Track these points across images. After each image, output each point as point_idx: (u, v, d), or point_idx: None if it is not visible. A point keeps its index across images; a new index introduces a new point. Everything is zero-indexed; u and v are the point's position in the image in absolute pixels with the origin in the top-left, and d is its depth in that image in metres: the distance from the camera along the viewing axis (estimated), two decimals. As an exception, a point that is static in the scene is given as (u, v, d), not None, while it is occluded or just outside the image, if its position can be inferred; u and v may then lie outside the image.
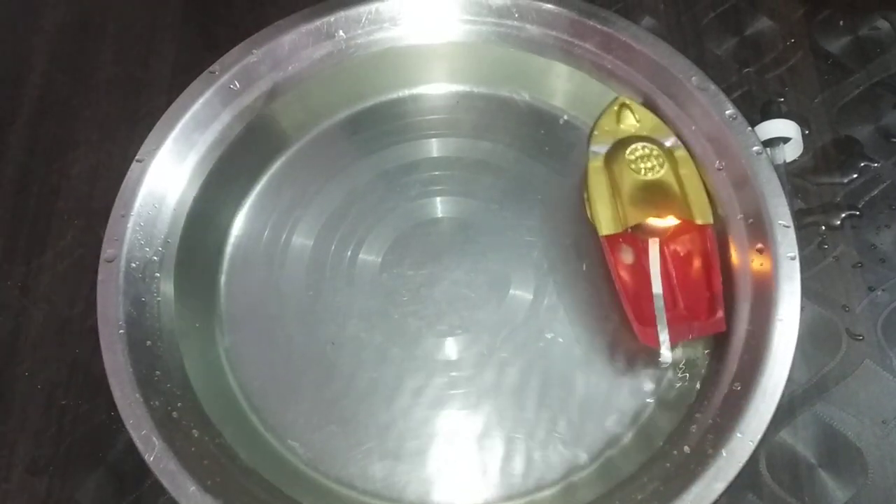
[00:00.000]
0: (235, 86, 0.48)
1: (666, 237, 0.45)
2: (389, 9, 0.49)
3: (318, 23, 0.49)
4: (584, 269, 0.46)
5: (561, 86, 0.50)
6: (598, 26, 0.47)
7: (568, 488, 0.42)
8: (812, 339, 0.44)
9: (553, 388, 0.44)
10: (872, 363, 0.44)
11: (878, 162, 0.48)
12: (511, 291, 0.46)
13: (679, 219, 0.44)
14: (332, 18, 0.49)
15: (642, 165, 0.44)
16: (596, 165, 0.45)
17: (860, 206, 0.47)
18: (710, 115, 0.45)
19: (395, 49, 0.50)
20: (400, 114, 0.51)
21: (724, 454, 0.37)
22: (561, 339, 0.45)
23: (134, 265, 0.44)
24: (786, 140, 0.47)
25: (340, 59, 0.49)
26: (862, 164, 0.48)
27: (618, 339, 0.44)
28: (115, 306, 0.42)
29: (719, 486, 0.37)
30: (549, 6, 0.48)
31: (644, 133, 0.46)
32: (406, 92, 0.51)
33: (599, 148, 0.45)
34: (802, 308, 0.40)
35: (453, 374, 0.45)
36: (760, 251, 0.41)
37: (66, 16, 0.58)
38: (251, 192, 0.50)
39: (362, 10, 0.49)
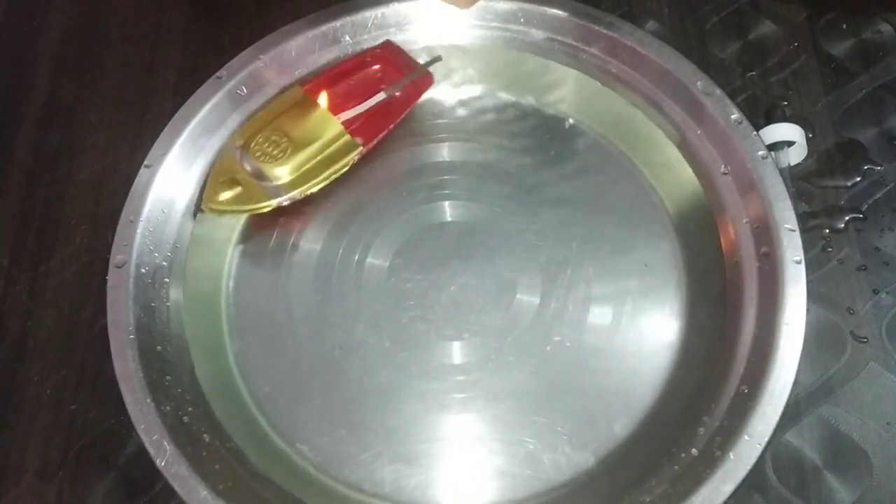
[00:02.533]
0: (243, 91, 0.48)
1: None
2: (395, 14, 0.49)
3: (324, 28, 0.49)
4: (591, 272, 0.46)
5: (566, 90, 0.50)
6: (604, 31, 0.48)
7: (575, 491, 0.42)
8: (817, 341, 0.44)
9: (560, 392, 0.44)
10: (877, 365, 0.44)
11: (881, 165, 0.48)
12: (518, 295, 0.46)
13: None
14: (338, 23, 0.49)
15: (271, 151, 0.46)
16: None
17: (864, 209, 0.47)
18: (715, 120, 0.45)
19: (402, 54, 0.50)
20: (406, 118, 0.51)
21: (732, 457, 0.38)
22: (568, 343, 0.45)
23: (143, 270, 0.44)
24: (790, 144, 0.47)
25: (347, 64, 0.50)
26: (866, 168, 0.49)
27: (625, 343, 0.45)
28: (125, 311, 0.42)
29: (727, 489, 0.37)
30: (555, 11, 0.48)
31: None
32: (412, 97, 0.52)
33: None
34: (807, 311, 0.40)
35: (460, 377, 0.45)
36: (766, 255, 0.42)
37: (71, 21, 0.58)
38: (259, 197, 0.50)
39: (368, 14, 0.49)
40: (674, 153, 0.47)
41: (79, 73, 0.56)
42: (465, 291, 0.46)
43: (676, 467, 0.39)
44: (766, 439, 0.38)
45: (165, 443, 0.39)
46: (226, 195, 0.45)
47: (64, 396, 0.46)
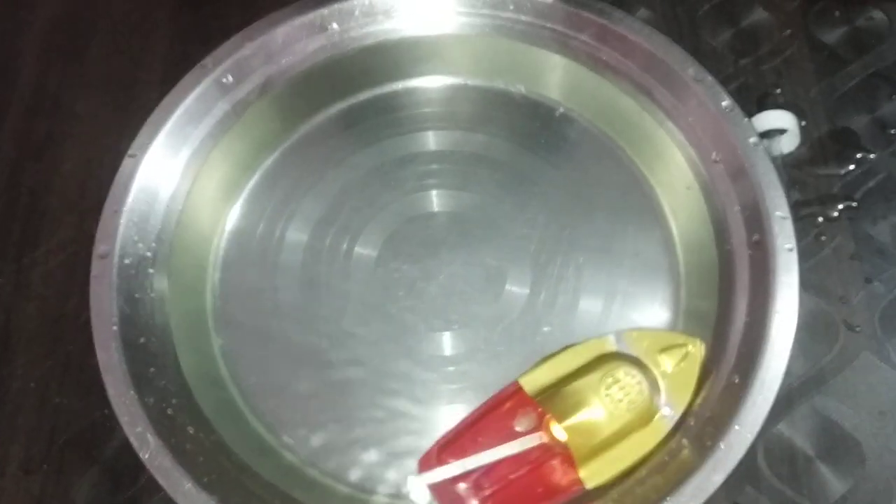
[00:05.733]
0: (228, 79, 0.48)
1: (555, 450, 0.40)
2: (383, 1, 0.49)
3: (311, 15, 0.48)
4: (581, 261, 0.46)
5: (557, 78, 0.49)
6: (594, 18, 0.47)
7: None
8: (809, 331, 0.44)
9: (550, 382, 0.44)
10: (870, 355, 0.44)
11: (874, 153, 0.48)
12: (507, 285, 0.46)
13: (569, 448, 0.39)
14: (325, 11, 0.48)
15: (612, 390, 0.39)
16: (597, 345, 0.42)
17: (857, 197, 0.47)
18: (706, 107, 0.44)
19: (390, 42, 0.49)
20: (394, 107, 0.51)
21: (723, 447, 0.37)
22: (558, 333, 0.44)
23: (127, 261, 0.43)
24: (782, 131, 0.46)
25: (334, 51, 0.49)
26: (859, 155, 0.48)
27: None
28: (108, 303, 0.41)
29: (718, 479, 0.37)
30: (545, -2, 0.48)
31: (659, 381, 0.40)
32: (400, 85, 0.51)
33: (622, 343, 0.42)
34: (800, 300, 0.40)
35: (450, 368, 0.44)
36: (758, 243, 0.41)
37: (57, 10, 0.57)
38: (245, 186, 0.49)
39: (356, 2, 0.48)
40: (665, 141, 0.47)
41: (65, 63, 0.55)
42: (454, 281, 0.46)
43: (667, 457, 0.39)
44: (757, 429, 0.37)
45: (149, 435, 0.38)
46: None
47: (48, 389, 0.45)
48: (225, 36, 0.48)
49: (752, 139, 0.43)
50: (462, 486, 0.40)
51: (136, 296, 0.43)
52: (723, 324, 0.42)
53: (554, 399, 0.40)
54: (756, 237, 0.42)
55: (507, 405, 0.41)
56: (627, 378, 0.40)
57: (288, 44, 0.49)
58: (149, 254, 0.44)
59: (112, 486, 0.43)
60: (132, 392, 0.39)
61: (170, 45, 0.55)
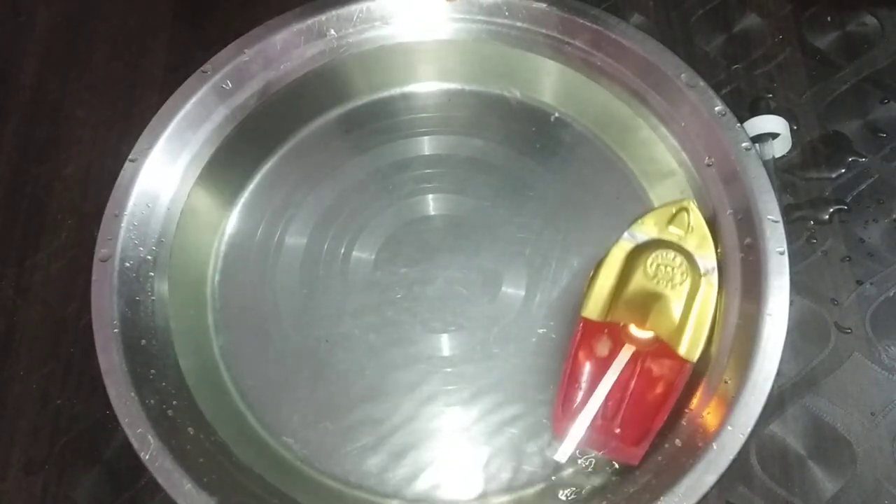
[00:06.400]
0: (227, 85, 0.48)
1: (645, 352, 0.42)
2: (380, 7, 0.49)
3: (309, 22, 0.49)
4: (576, 265, 0.47)
5: (551, 83, 0.50)
6: (588, 24, 0.48)
7: (560, 482, 0.42)
8: (801, 332, 0.45)
9: (545, 383, 0.44)
10: (861, 356, 0.44)
11: (865, 157, 0.49)
12: (503, 288, 0.46)
13: (662, 340, 0.42)
14: (323, 17, 0.49)
15: (660, 274, 0.42)
16: (619, 250, 0.43)
17: (848, 200, 0.48)
18: (699, 112, 0.45)
19: (387, 47, 0.50)
20: (391, 112, 0.51)
21: (715, 447, 0.38)
22: (553, 335, 0.45)
23: (128, 265, 0.44)
24: (774, 136, 0.47)
25: (332, 57, 0.50)
26: (850, 159, 0.49)
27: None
28: (109, 305, 0.42)
29: (710, 479, 0.37)
30: (539, 4, 0.48)
31: (685, 246, 0.43)
32: (397, 90, 0.52)
33: (635, 235, 0.43)
34: (791, 302, 0.40)
35: (447, 370, 0.45)
36: (750, 246, 0.42)
37: (57, 16, 0.58)
38: (244, 190, 0.50)
39: (353, 8, 0.49)
40: (658, 145, 0.47)
41: (65, 69, 0.56)
42: (450, 284, 0.47)
43: (660, 458, 0.40)
44: (749, 429, 0.38)
45: (150, 436, 0.39)
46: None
47: (50, 391, 0.46)
48: (223, 42, 0.49)
49: (745, 144, 0.44)
50: (595, 427, 0.41)
51: (137, 298, 0.43)
52: (715, 326, 0.42)
53: (621, 311, 0.42)
54: (748, 240, 0.42)
55: (585, 342, 0.43)
56: (663, 257, 0.42)
57: (286, 50, 0.49)
58: (149, 257, 0.45)
59: (113, 486, 0.43)
60: (133, 393, 0.40)
61: (169, 51, 0.55)
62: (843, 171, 0.48)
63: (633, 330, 0.42)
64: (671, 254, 0.42)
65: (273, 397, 0.44)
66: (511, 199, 0.48)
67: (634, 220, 0.44)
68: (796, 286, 0.44)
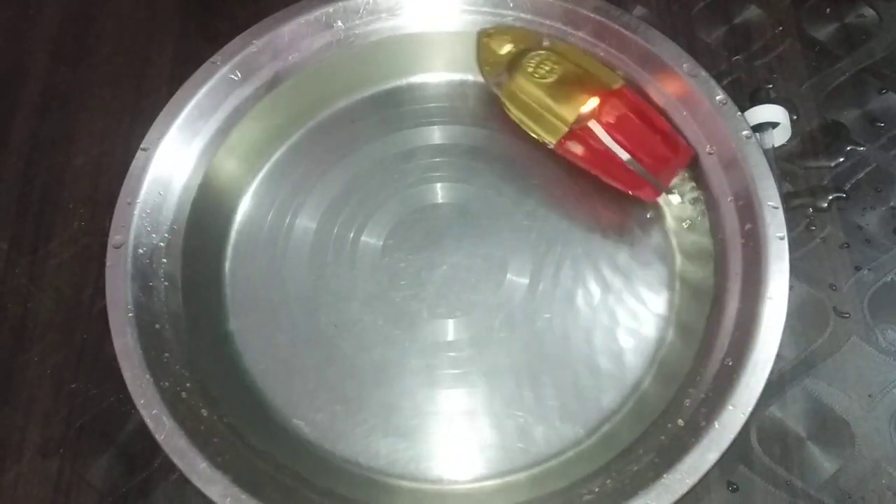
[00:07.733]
0: (237, 76, 0.49)
1: (597, 115, 0.47)
2: (387, -1, 0.50)
3: (317, 13, 0.50)
4: (579, 251, 0.47)
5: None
6: (591, 15, 0.48)
7: (566, 462, 0.43)
8: (801, 317, 0.46)
9: (550, 367, 0.45)
10: (859, 339, 0.45)
11: (863, 146, 0.50)
12: (509, 274, 0.47)
13: (598, 95, 0.46)
14: (330, 9, 0.50)
15: (541, 70, 0.47)
16: (506, 93, 0.48)
17: (847, 188, 0.49)
18: (700, 101, 0.46)
19: (394, 38, 0.51)
20: (399, 102, 0.52)
21: (717, 426, 0.38)
22: (558, 320, 0.46)
23: (141, 251, 0.45)
24: (774, 125, 0.48)
25: (339, 48, 0.50)
26: (848, 148, 0.50)
27: (613, 319, 0.46)
28: (123, 291, 0.43)
29: (712, 457, 0.38)
30: (544, -5, 0.49)
31: (523, 47, 0.48)
32: (404, 81, 0.52)
33: (498, 79, 0.48)
34: (791, 287, 0.41)
35: (452, 354, 0.46)
36: (750, 231, 0.43)
37: (66, 9, 0.58)
38: (254, 178, 0.51)
39: (361, 0, 0.50)
40: (661, 134, 0.48)
41: (75, 61, 0.56)
42: (457, 270, 0.47)
43: (663, 437, 0.40)
44: (750, 409, 0.39)
45: (164, 417, 0.40)
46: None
47: (64, 376, 0.47)
48: (231, 34, 0.50)
49: (745, 132, 0.44)
50: (652, 165, 0.46)
51: (151, 284, 0.44)
52: (717, 309, 0.43)
53: (559, 117, 0.47)
54: (748, 226, 0.43)
55: (576, 155, 0.48)
56: (534, 59, 0.48)
57: (294, 41, 0.50)
58: (162, 244, 0.46)
59: (127, 467, 0.44)
60: (148, 376, 0.41)
61: (178, 43, 0.56)
62: (841, 159, 0.49)
63: (582, 110, 0.46)
64: (527, 57, 0.47)
65: (284, 381, 0.45)
66: (516, 187, 0.49)
67: (484, 76, 0.50)
68: (796, 272, 0.45)
